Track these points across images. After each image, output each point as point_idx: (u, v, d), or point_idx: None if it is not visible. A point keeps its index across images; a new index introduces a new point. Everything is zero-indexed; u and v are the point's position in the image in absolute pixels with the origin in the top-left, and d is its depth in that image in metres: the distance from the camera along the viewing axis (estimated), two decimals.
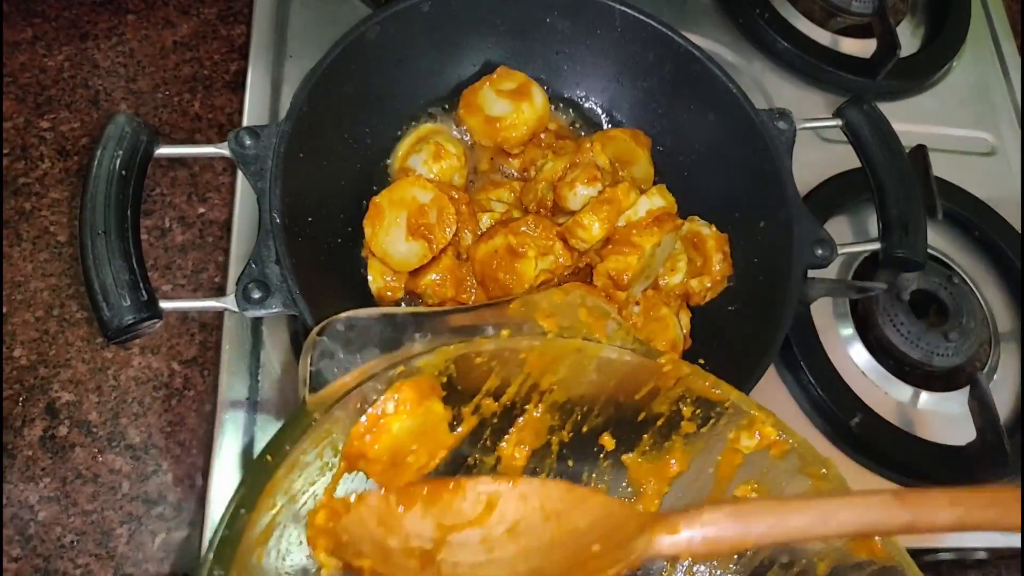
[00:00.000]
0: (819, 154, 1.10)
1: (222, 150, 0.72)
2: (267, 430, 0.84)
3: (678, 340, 0.78)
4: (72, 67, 1.15)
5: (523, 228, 0.76)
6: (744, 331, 0.80)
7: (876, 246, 0.83)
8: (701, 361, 0.80)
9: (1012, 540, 0.94)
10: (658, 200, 0.79)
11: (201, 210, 1.08)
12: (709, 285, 0.83)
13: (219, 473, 0.81)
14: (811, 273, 0.81)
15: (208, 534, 0.80)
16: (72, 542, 0.89)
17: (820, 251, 0.80)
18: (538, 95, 0.89)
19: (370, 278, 0.80)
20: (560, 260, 0.76)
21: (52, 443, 0.93)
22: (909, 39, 1.25)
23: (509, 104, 0.87)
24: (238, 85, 1.13)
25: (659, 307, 0.79)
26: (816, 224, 0.81)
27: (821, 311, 1.02)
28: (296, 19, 1.06)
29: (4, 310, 0.97)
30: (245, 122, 0.97)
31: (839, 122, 0.87)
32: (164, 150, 0.71)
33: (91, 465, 0.94)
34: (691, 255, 0.84)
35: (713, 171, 0.89)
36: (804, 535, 0.46)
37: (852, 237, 1.08)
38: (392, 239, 0.78)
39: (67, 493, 0.91)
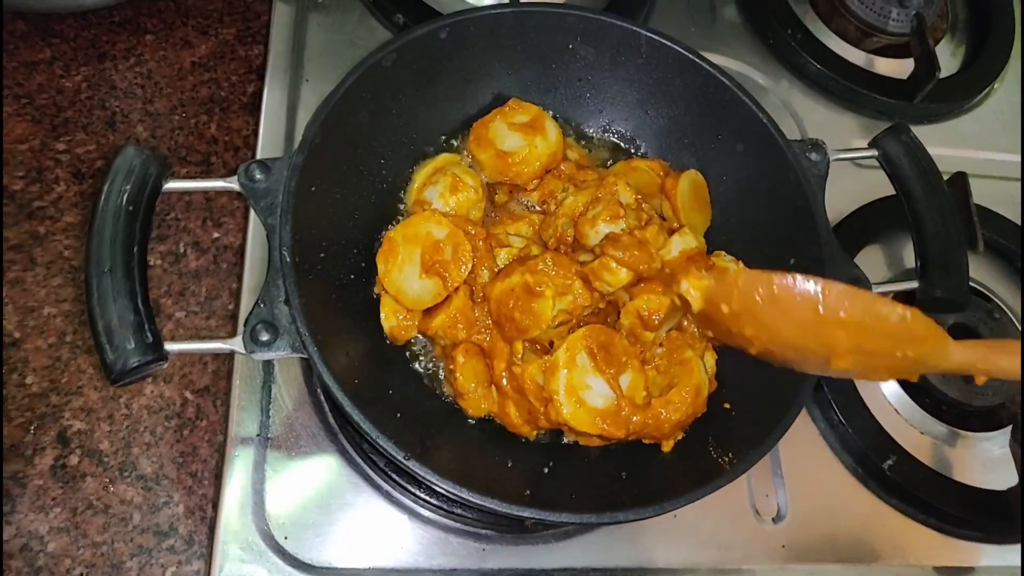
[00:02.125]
0: (853, 181, 1.05)
1: (232, 184, 0.70)
2: (278, 468, 0.81)
3: (703, 384, 0.75)
4: (89, 88, 1.13)
5: (541, 266, 0.73)
6: (772, 375, 0.76)
7: (913, 284, 0.79)
8: (726, 406, 0.77)
9: None
10: (690, 240, 0.76)
11: (216, 235, 1.07)
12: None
13: (228, 511, 0.79)
14: None
15: (216, 572, 0.78)
16: (81, 575, 0.87)
17: None
18: (551, 129, 0.85)
19: (383, 316, 0.77)
20: (579, 300, 0.73)
21: (63, 472, 0.92)
22: (949, 59, 1.21)
23: (521, 138, 0.84)
24: (255, 107, 1.11)
25: (683, 349, 0.76)
26: (849, 262, 0.77)
27: None
28: (313, 42, 1.04)
29: (17, 336, 0.96)
30: (259, 147, 0.95)
31: (875, 152, 0.83)
32: (173, 184, 0.69)
33: (102, 496, 0.92)
34: None
35: (741, 204, 0.85)
36: None
37: (887, 269, 1.04)
38: (406, 276, 0.75)
39: (77, 524, 0.90)
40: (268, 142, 0.96)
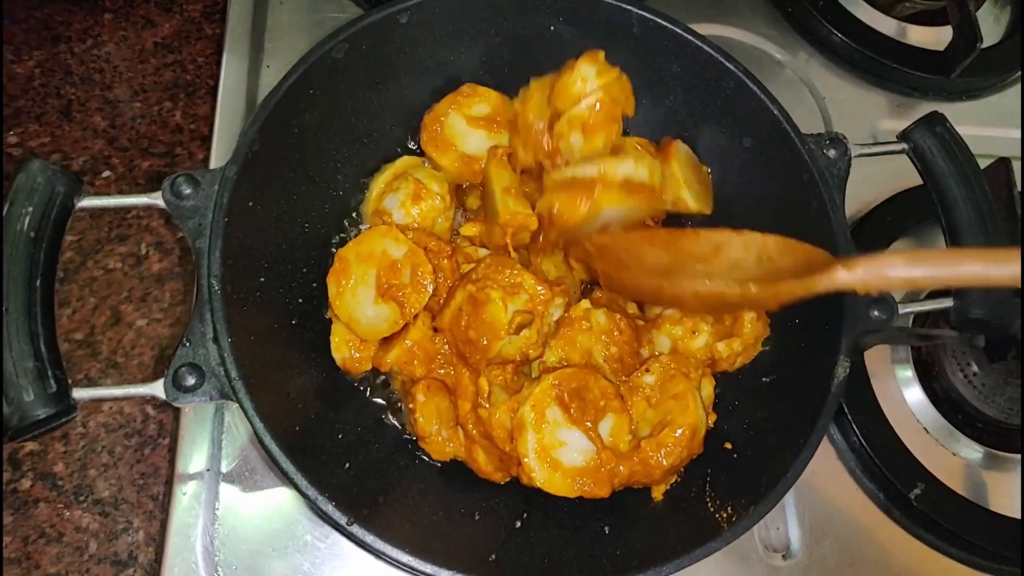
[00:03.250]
0: (880, 168, 0.93)
1: (156, 200, 0.61)
2: (231, 506, 0.73)
3: (700, 423, 0.65)
4: (43, 74, 1.05)
5: (481, 271, 0.63)
6: (780, 410, 0.67)
7: (948, 303, 0.68)
8: (728, 446, 0.68)
9: None
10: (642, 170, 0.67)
11: (181, 233, 0.98)
12: (739, 349, 0.70)
13: (173, 558, 0.71)
14: None
15: None
16: None
17: (876, 312, 0.66)
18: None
19: (333, 345, 0.68)
20: (535, 296, 0.64)
21: (14, 498, 0.86)
22: (991, 26, 1.08)
23: (485, 137, 0.74)
24: None
25: (677, 380, 0.66)
26: None
27: (876, 355, 0.88)
28: (275, 22, 0.94)
29: None
30: (214, 146, 0.85)
31: (905, 146, 0.72)
32: (86, 203, 0.61)
33: (56, 522, 0.86)
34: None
35: (748, 208, 0.75)
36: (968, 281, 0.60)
37: None
38: (359, 301, 0.66)
39: (29, 554, 0.84)
40: (224, 139, 0.87)
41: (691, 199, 0.74)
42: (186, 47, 1.08)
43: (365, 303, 0.66)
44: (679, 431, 0.64)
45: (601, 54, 0.70)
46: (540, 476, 0.61)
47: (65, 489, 0.88)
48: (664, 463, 0.63)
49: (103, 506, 0.88)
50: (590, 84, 0.69)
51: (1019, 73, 1.05)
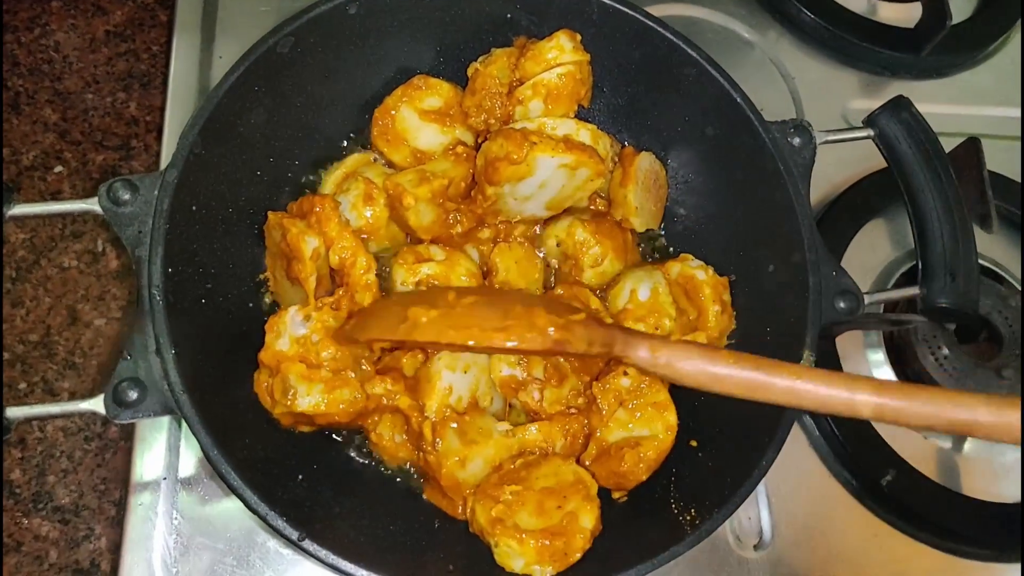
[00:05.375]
0: (850, 149, 0.91)
1: (92, 206, 0.59)
2: (190, 516, 0.71)
3: (674, 430, 0.64)
4: None
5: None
6: (745, 407, 0.65)
7: (915, 291, 0.67)
8: (693, 443, 0.67)
9: None
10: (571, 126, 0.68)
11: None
12: (704, 343, 0.68)
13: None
14: None
15: None
16: None
17: (843, 304, 0.65)
18: None
19: None
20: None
21: None
22: (962, 2, 1.05)
23: (438, 131, 0.71)
24: None
25: (657, 386, 0.65)
26: (839, 270, 0.66)
27: (848, 339, 0.87)
28: (227, 9, 0.90)
29: None
30: (164, 145, 0.82)
31: (871, 132, 0.71)
32: (17, 210, 0.58)
33: (14, 531, 0.85)
34: (682, 305, 0.69)
35: (711, 200, 0.73)
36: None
37: (890, 248, 0.91)
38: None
39: None
40: (175, 135, 0.83)
41: (638, 222, 0.74)
42: (139, 35, 1.05)
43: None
44: (656, 442, 0.63)
45: (579, 36, 0.70)
46: (502, 553, 0.58)
47: (23, 497, 0.86)
48: (642, 477, 0.63)
49: (63, 513, 0.86)
50: (565, 55, 0.70)
51: (989, 50, 1.03)
